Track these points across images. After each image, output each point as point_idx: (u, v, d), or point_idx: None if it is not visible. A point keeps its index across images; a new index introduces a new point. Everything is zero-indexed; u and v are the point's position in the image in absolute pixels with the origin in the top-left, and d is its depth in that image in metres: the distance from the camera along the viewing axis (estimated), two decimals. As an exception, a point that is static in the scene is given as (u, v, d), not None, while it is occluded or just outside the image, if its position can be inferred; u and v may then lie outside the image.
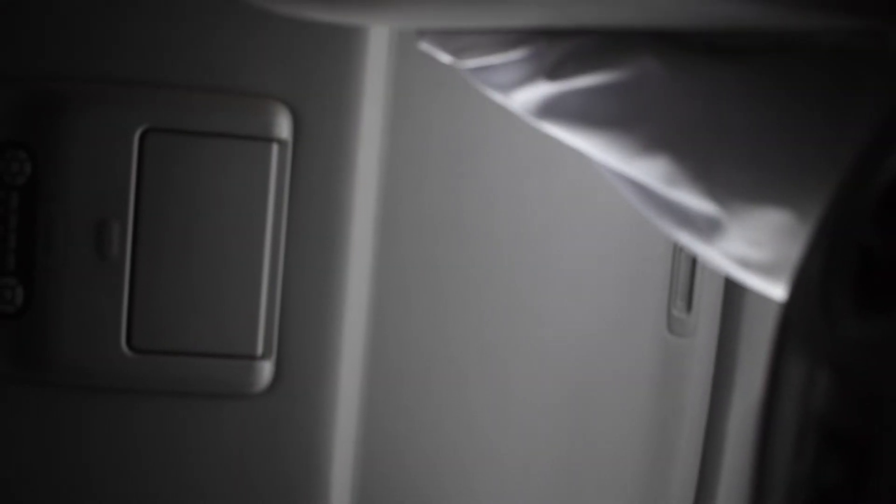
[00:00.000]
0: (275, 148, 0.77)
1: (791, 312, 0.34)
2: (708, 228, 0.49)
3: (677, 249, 0.93)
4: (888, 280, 0.31)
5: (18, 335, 0.76)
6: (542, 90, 0.49)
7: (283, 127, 0.77)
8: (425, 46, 0.52)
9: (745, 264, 0.50)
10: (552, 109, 0.50)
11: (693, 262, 0.94)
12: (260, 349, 0.78)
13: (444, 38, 0.51)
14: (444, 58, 0.52)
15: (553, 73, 0.49)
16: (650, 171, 0.49)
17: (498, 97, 0.52)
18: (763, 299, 0.97)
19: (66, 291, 0.76)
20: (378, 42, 0.79)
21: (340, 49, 0.77)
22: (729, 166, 0.47)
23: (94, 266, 0.76)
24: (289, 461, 0.80)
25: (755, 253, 0.49)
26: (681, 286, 0.94)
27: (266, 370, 0.79)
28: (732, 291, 0.97)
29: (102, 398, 0.78)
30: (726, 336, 0.98)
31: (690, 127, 0.47)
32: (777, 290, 0.50)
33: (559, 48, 0.48)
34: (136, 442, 0.78)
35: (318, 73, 0.78)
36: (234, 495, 0.80)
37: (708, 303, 0.97)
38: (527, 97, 0.50)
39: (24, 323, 0.76)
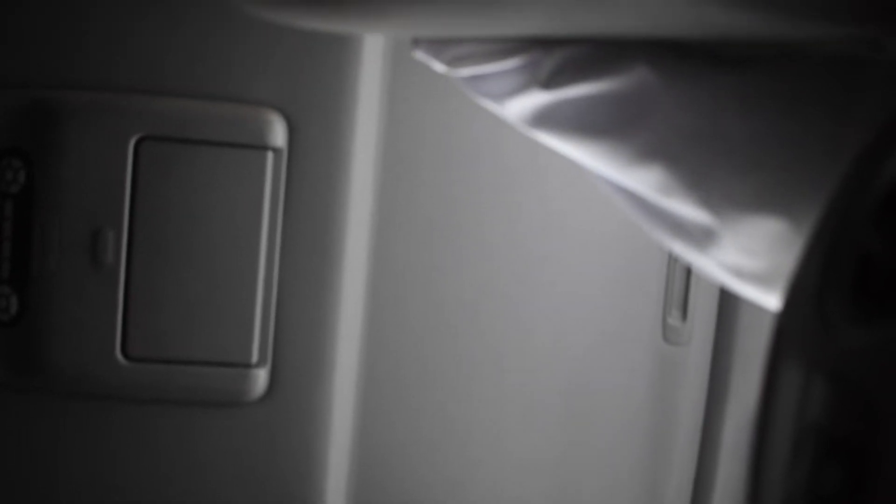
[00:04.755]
0: (270, 156, 0.77)
1: (787, 319, 0.34)
2: (702, 237, 0.49)
3: (672, 258, 0.93)
4: (886, 287, 0.31)
5: (13, 343, 0.76)
6: (536, 99, 0.49)
7: (278, 135, 0.77)
8: (420, 55, 0.52)
9: (739, 273, 0.50)
10: (547, 119, 0.50)
11: (688, 270, 0.94)
12: (255, 357, 0.78)
13: (439, 47, 0.51)
14: (439, 67, 0.52)
15: (548, 83, 0.48)
16: (645, 179, 0.49)
17: (492, 106, 0.52)
18: (758, 307, 0.97)
19: (60, 299, 0.76)
20: (372, 51, 0.79)
21: (335, 58, 0.78)
22: (724, 175, 0.47)
23: (89, 274, 0.76)
24: (284, 469, 0.80)
25: (749, 262, 0.49)
26: (676, 294, 0.94)
27: (261, 378, 0.79)
28: (728, 300, 0.97)
29: (97, 406, 0.78)
30: (721, 344, 0.98)
31: (685, 135, 0.47)
32: (770, 300, 0.50)
33: (554, 57, 0.48)
34: (131, 450, 0.78)
35: (313, 81, 0.78)
36: (228, 502, 0.80)
37: (703, 311, 0.97)
38: (521, 106, 0.50)
39: (18, 331, 0.76)
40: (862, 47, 0.45)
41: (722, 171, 0.47)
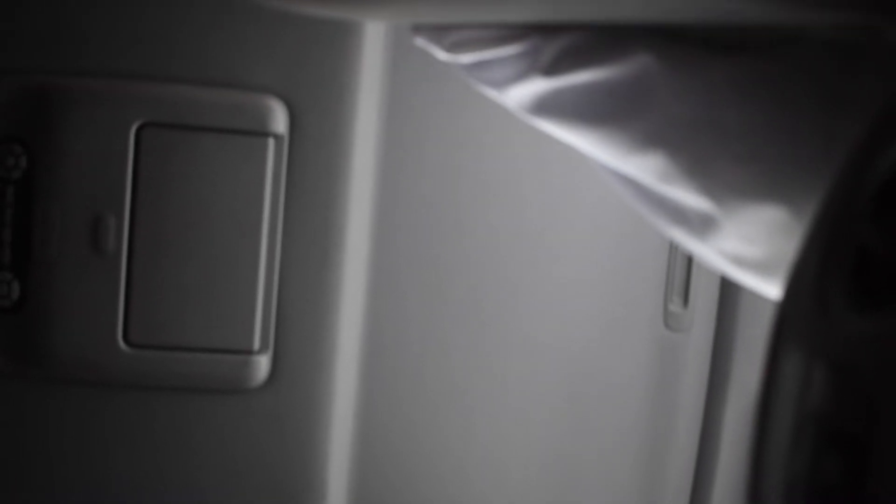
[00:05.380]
0: (271, 142, 0.77)
1: (787, 308, 0.34)
2: (702, 225, 0.49)
3: (674, 244, 0.93)
4: (885, 276, 0.31)
5: (14, 330, 0.76)
6: (537, 86, 0.49)
7: (279, 121, 0.77)
8: (420, 42, 0.52)
9: (739, 262, 0.50)
10: (547, 106, 0.49)
11: (689, 257, 0.94)
12: (257, 344, 0.78)
13: (439, 33, 0.51)
14: (439, 53, 0.52)
15: (549, 70, 0.48)
16: (645, 167, 0.48)
17: (492, 93, 0.52)
18: (760, 295, 0.97)
19: (61, 286, 0.76)
20: (374, 37, 0.79)
21: (336, 44, 0.77)
22: (724, 162, 0.47)
23: (90, 261, 0.76)
24: (285, 456, 0.80)
25: (749, 250, 0.49)
26: (677, 281, 0.94)
27: (263, 365, 0.79)
28: (729, 286, 0.97)
29: (98, 393, 0.78)
30: (723, 331, 0.98)
31: (685, 123, 0.47)
32: (771, 288, 0.50)
33: (555, 44, 0.48)
34: (132, 437, 0.78)
35: (314, 67, 0.78)
36: (230, 490, 0.80)
37: (704, 298, 0.97)
38: (521, 93, 0.50)
39: (19, 318, 0.76)
40: (858, 34, 0.45)
41: (720, 159, 0.47)
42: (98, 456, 0.78)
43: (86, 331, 0.76)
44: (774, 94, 0.46)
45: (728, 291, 0.97)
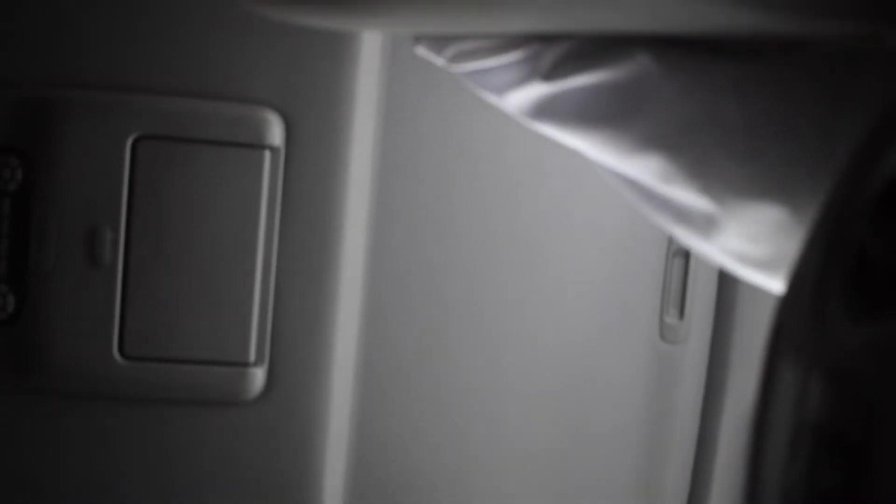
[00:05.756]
0: (267, 155, 0.77)
1: (785, 316, 0.34)
2: (704, 225, 0.49)
3: (670, 256, 0.93)
4: (885, 283, 0.31)
5: (10, 342, 0.76)
6: (537, 91, 0.49)
7: (276, 134, 0.77)
8: (421, 51, 0.52)
9: (744, 259, 0.50)
10: (548, 110, 0.50)
11: (685, 268, 0.94)
12: (252, 356, 0.78)
13: (441, 43, 0.51)
14: (441, 63, 0.52)
15: (549, 74, 0.48)
16: (646, 168, 0.49)
17: (493, 99, 0.52)
18: (755, 306, 0.97)
19: (57, 298, 0.76)
20: (370, 48, 0.79)
21: (333, 55, 0.77)
22: (724, 163, 0.47)
23: (86, 273, 0.76)
24: (281, 468, 0.80)
25: (752, 249, 0.49)
26: (673, 293, 0.94)
27: (258, 377, 0.79)
28: (725, 298, 0.97)
29: (94, 405, 0.78)
30: (719, 343, 0.98)
31: (685, 124, 0.47)
32: (778, 285, 0.50)
33: (555, 49, 0.48)
34: (127, 449, 0.78)
35: (311, 79, 0.78)
36: (225, 502, 0.80)
37: (700, 310, 0.97)
38: (522, 98, 0.50)
39: (15, 330, 0.76)
40: (861, 40, 0.45)
41: (720, 159, 0.47)
42: (93, 467, 0.78)
43: (81, 343, 0.76)
44: (775, 94, 0.46)
45: (724, 303, 0.97)
